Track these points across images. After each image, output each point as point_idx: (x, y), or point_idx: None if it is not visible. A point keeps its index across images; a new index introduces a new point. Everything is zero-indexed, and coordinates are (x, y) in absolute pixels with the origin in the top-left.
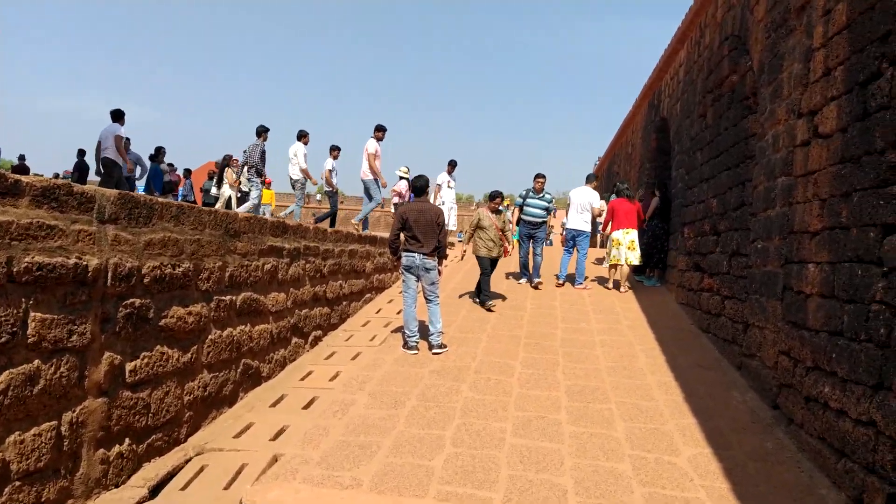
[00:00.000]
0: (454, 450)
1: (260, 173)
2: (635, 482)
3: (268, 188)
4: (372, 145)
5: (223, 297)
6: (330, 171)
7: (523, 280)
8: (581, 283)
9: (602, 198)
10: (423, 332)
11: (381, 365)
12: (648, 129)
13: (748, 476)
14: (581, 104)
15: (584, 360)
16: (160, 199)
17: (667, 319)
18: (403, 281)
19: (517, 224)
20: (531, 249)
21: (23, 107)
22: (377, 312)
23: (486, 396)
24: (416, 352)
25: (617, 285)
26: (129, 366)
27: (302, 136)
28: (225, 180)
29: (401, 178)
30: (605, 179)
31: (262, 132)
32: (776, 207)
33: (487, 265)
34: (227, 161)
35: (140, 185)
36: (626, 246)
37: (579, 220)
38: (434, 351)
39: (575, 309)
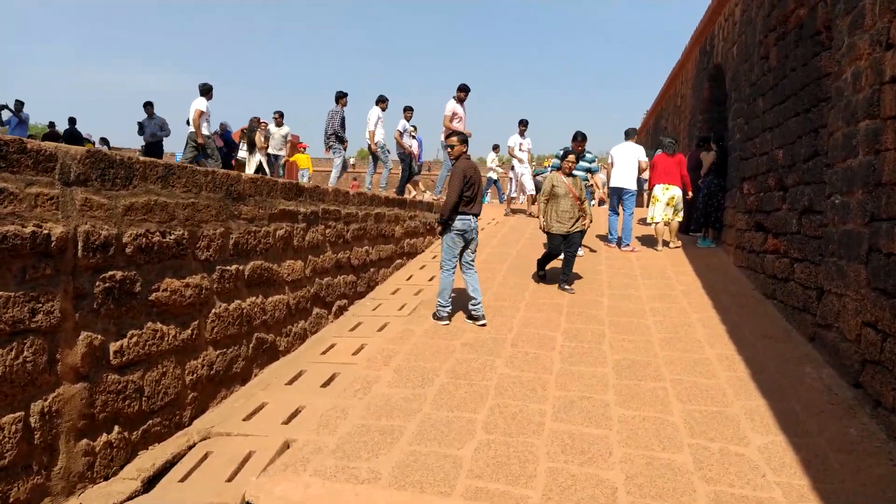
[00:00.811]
0: (486, 436)
1: (341, 140)
2: (697, 478)
3: (303, 153)
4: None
5: (228, 267)
6: (401, 132)
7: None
8: (628, 245)
9: (647, 154)
10: (458, 302)
11: (409, 337)
12: (700, 77)
13: (831, 470)
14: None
15: (633, 331)
16: (142, 158)
17: (725, 284)
18: (449, 247)
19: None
20: None
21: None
22: (408, 280)
23: (524, 373)
24: (448, 322)
25: (666, 244)
26: (113, 346)
27: (380, 102)
28: (256, 144)
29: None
30: (651, 135)
31: (340, 97)
32: (858, 156)
33: (559, 243)
34: (255, 124)
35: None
36: (666, 202)
37: (624, 178)
38: (480, 323)
39: (622, 274)
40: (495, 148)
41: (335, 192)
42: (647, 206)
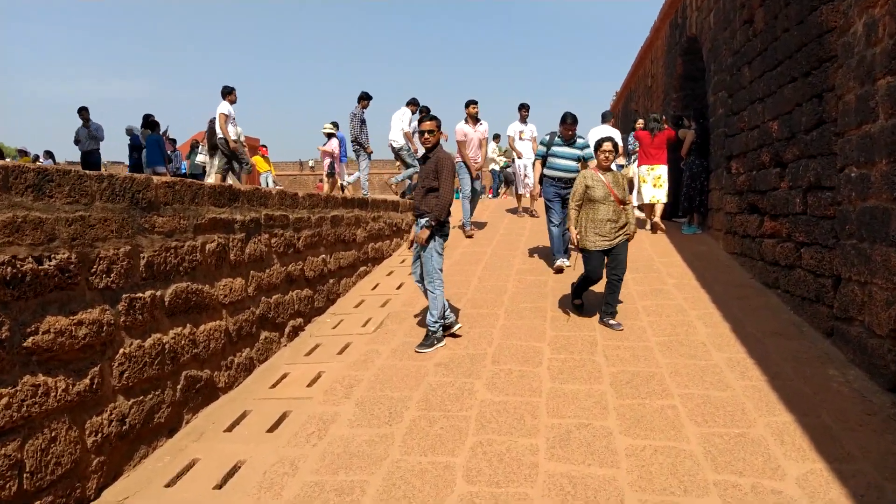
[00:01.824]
0: (468, 488)
1: (361, 145)
2: None
3: (263, 157)
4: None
5: (138, 295)
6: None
7: (559, 261)
8: None
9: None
10: (421, 314)
11: (374, 359)
12: (672, 53)
13: None
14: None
15: (628, 335)
16: (1, 163)
17: (719, 273)
18: (440, 255)
19: (540, 180)
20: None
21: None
22: (373, 289)
23: (509, 397)
24: (443, 343)
25: (654, 228)
26: None
27: (410, 104)
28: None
29: (328, 135)
30: (621, 119)
31: (361, 99)
32: (878, 120)
33: (598, 264)
34: (213, 125)
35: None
36: (651, 182)
37: None
38: (455, 329)
39: None
40: (495, 138)
41: (280, 195)
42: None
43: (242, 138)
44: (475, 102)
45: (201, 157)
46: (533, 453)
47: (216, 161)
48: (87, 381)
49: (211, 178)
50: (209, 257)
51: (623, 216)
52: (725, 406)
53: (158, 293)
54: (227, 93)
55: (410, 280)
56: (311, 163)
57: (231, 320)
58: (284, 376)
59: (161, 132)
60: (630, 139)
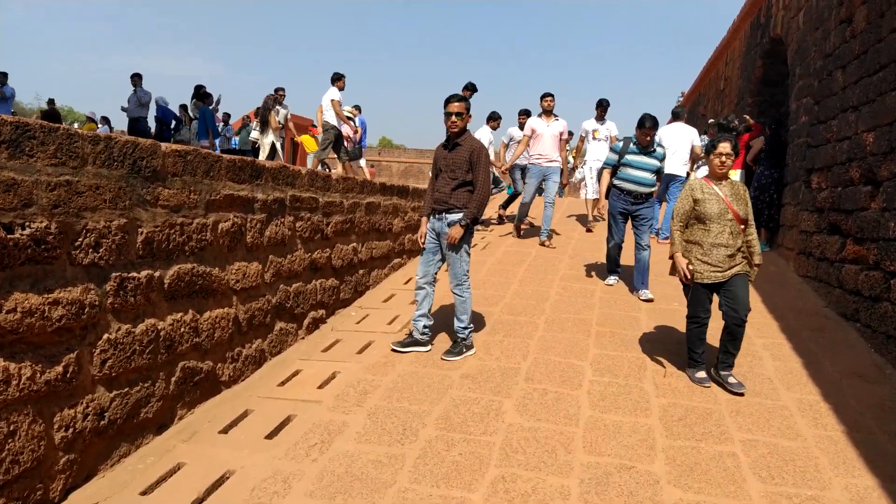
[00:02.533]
0: None
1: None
2: None
3: (313, 136)
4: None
5: (132, 274)
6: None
7: (612, 279)
8: (667, 238)
9: None
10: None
11: (395, 363)
12: (751, 55)
13: None
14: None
15: (683, 362)
16: None
17: (789, 300)
18: (469, 254)
19: (607, 193)
20: (634, 238)
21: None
22: (406, 283)
23: (541, 423)
24: (474, 350)
25: None
26: None
27: (490, 120)
28: (269, 124)
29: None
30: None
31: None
32: None
33: (707, 300)
34: (269, 102)
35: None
36: None
37: (675, 163)
38: (442, 356)
39: (662, 281)
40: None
41: (311, 176)
42: None
43: (289, 116)
44: (551, 95)
45: (254, 134)
46: (564, 497)
47: (267, 139)
48: (59, 368)
49: (263, 156)
50: (222, 237)
51: (742, 239)
52: (795, 459)
53: (157, 274)
54: (337, 79)
55: (446, 277)
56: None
57: (242, 308)
58: (296, 373)
59: (212, 105)
60: (702, 140)
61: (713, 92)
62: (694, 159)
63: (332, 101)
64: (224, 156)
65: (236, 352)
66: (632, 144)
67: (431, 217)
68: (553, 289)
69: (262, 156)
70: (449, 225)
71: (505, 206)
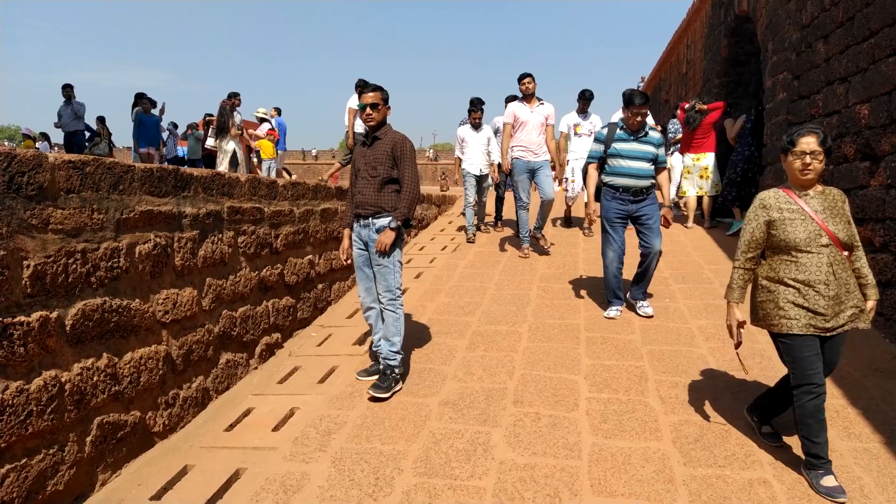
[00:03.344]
0: None
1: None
2: None
3: (271, 140)
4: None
5: (19, 318)
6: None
7: (614, 311)
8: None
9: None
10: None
11: (361, 393)
12: (715, 35)
13: None
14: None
15: (685, 368)
16: None
17: None
18: (401, 264)
19: (598, 192)
20: (639, 243)
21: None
22: None
23: (538, 458)
24: (401, 385)
25: (700, 221)
26: None
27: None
28: (229, 130)
29: (261, 119)
30: (650, 111)
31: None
32: None
33: (815, 359)
34: (226, 106)
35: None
36: (698, 174)
37: None
38: (369, 391)
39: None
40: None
41: (252, 183)
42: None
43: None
44: (529, 76)
45: (210, 141)
46: None
47: (228, 145)
48: None
49: (223, 165)
50: (141, 262)
51: (849, 272)
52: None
53: (55, 315)
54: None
55: (416, 286)
56: (314, 152)
57: (175, 343)
58: (247, 413)
59: (160, 112)
60: (672, 125)
61: (675, 76)
62: None
63: (350, 108)
64: (137, 164)
65: (171, 396)
66: (619, 130)
67: (355, 225)
68: (533, 291)
69: (223, 164)
70: (378, 231)
71: (497, 215)
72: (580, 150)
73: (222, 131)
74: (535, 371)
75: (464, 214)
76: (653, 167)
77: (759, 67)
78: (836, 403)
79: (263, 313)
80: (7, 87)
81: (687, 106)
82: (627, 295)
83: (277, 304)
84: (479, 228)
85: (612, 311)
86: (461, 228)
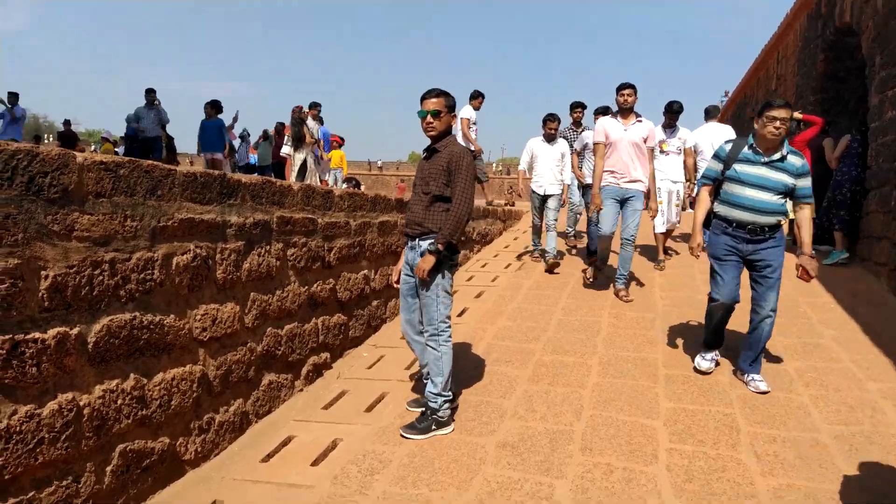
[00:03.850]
0: None
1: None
2: None
3: (339, 148)
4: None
5: (33, 335)
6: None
7: (707, 362)
8: None
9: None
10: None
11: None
12: (810, 49)
13: None
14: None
15: (785, 418)
16: None
17: (891, 325)
18: (449, 295)
19: (706, 222)
20: (752, 296)
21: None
22: None
23: None
24: (452, 428)
25: (791, 248)
26: None
27: (472, 99)
28: (304, 140)
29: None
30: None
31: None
32: None
33: None
34: (298, 115)
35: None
36: None
37: None
38: (401, 430)
39: None
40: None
41: (305, 192)
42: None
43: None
44: (631, 87)
45: (286, 149)
46: None
47: (301, 154)
48: None
49: (294, 174)
50: (178, 275)
51: None
52: None
53: (75, 331)
54: (474, 97)
55: (476, 306)
56: (379, 163)
57: (213, 363)
58: (287, 441)
59: (233, 119)
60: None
61: (763, 92)
62: None
63: (463, 119)
64: (179, 168)
65: (206, 420)
66: (746, 149)
67: (406, 247)
68: (604, 318)
69: (293, 174)
70: (422, 255)
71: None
72: (668, 170)
73: (298, 141)
74: (606, 412)
75: (532, 228)
76: (784, 201)
77: (861, 84)
78: None
79: (312, 331)
80: (95, 91)
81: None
82: (739, 364)
83: (328, 322)
84: (543, 256)
85: (705, 362)
86: (525, 252)
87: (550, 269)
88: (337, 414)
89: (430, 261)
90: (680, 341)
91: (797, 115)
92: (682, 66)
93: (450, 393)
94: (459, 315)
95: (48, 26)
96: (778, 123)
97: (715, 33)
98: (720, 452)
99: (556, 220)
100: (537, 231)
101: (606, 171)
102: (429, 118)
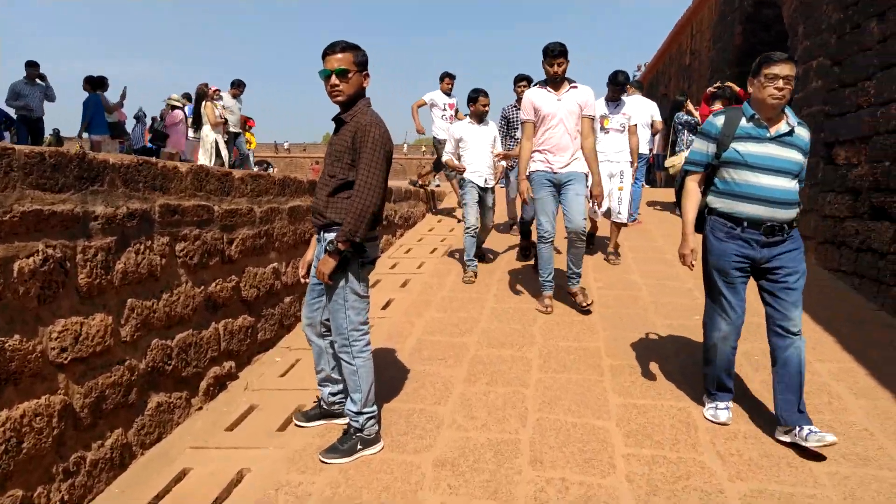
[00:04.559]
0: None
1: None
2: None
3: (249, 131)
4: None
5: None
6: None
7: (724, 411)
8: (636, 219)
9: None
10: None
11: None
12: (727, 22)
13: None
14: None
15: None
16: None
17: (826, 300)
18: (362, 298)
19: (699, 224)
20: (767, 314)
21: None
22: None
23: None
24: (380, 447)
25: None
26: None
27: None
28: (204, 118)
29: (173, 107)
30: None
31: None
32: None
33: None
34: (203, 92)
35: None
36: None
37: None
38: (320, 455)
39: (669, 289)
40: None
41: (197, 175)
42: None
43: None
44: (562, 52)
45: (191, 133)
46: None
47: (209, 135)
48: None
49: (207, 158)
50: (22, 284)
51: None
52: None
53: None
54: (441, 79)
55: (402, 297)
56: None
57: (79, 390)
58: (182, 476)
59: (121, 97)
60: (682, 117)
61: (675, 69)
62: (654, 132)
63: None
64: (19, 147)
65: (73, 461)
66: (745, 122)
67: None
68: (539, 305)
69: (206, 157)
70: (323, 250)
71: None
72: (609, 150)
73: (198, 120)
74: (553, 414)
75: (465, 233)
76: (797, 185)
77: None
78: None
79: (211, 338)
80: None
81: (716, 87)
82: (780, 415)
83: (231, 326)
84: (482, 258)
85: (722, 412)
86: (456, 252)
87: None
88: (243, 436)
89: (330, 263)
90: (620, 327)
91: (732, 85)
92: (594, 38)
93: (373, 407)
94: (384, 308)
95: None
96: (781, 83)
97: (627, 4)
98: (681, 455)
99: (492, 221)
100: (474, 239)
101: (537, 150)
102: (333, 79)
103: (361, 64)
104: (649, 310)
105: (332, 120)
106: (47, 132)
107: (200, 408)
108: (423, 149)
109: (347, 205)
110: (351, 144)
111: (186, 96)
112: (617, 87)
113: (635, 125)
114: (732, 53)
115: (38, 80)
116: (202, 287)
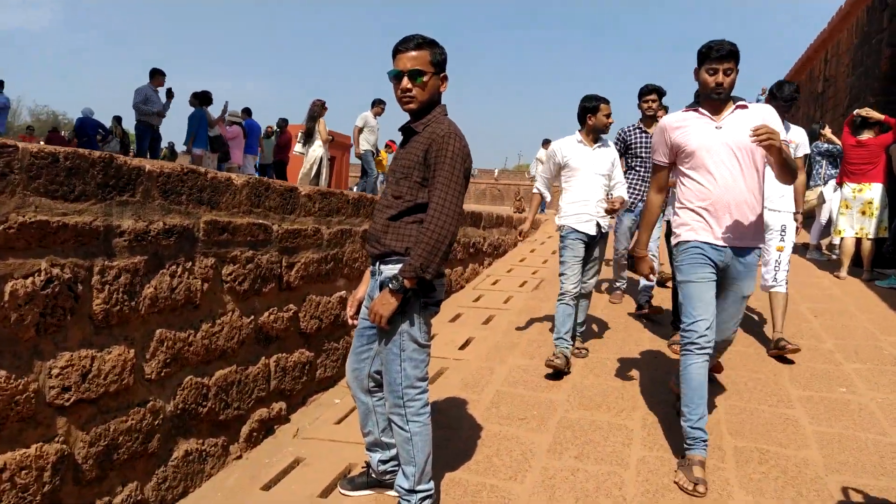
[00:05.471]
0: None
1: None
2: None
3: (387, 151)
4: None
5: None
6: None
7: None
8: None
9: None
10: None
11: None
12: (870, 47)
13: None
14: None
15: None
16: None
17: None
18: (423, 347)
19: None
20: None
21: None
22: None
23: None
24: None
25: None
26: None
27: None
28: (316, 135)
29: (231, 123)
30: None
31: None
32: None
33: None
34: (316, 109)
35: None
36: (859, 209)
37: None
38: None
39: (815, 352)
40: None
41: (254, 189)
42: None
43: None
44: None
45: (298, 147)
46: None
47: (313, 150)
48: None
49: (303, 173)
50: (14, 310)
51: None
52: None
53: None
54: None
55: (484, 336)
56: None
57: (83, 437)
58: None
59: (222, 111)
60: (821, 146)
61: (806, 95)
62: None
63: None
64: (25, 146)
65: None
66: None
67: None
68: (644, 355)
69: (306, 173)
70: (381, 287)
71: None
72: (770, 193)
73: (310, 136)
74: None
75: (559, 300)
76: None
77: None
78: None
79: (260, 375)
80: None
81: (854, 114)
82: None
83: (284, 361)
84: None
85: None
86: (548, 284)
87: (556, 373)
88: (279, 498)
89: (391, 304)
90: (747, 397)
91: (871, 112)
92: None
93: (430, 484)
94: (462, 348)
95: (73, 22)
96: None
97: (753, 30)
98: None
99: (595, 275)
100: (572, 310)
101: (688, 209)
102: (405, 81)
103: (439, 64)
104: (782, 375)
105: (400, 130)
106: (163, 144)
107: (239, 456)
108: (527, 175)
109: (418, 233)
110: (423, 159)
111: (246, 111)
112: (786, 103)
113: (803, 156)
114: (877, 81)
115: (159, 90)
116: (252, 317)
